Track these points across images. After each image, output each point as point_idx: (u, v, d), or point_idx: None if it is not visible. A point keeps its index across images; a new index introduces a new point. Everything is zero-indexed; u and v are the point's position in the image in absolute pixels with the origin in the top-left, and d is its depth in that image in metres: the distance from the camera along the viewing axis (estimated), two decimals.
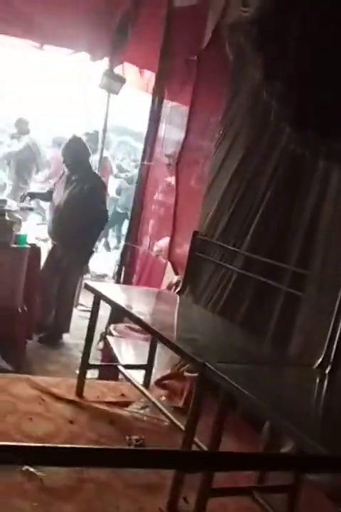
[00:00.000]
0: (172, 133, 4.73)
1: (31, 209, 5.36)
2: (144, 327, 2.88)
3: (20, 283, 4.45)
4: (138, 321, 2.82)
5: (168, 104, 4.78)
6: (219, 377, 2.23)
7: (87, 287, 3.28)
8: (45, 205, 7.06)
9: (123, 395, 3.39)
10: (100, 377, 4.22)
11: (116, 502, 2.42)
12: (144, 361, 3.96)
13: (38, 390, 3.23)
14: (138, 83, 5.98)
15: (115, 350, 4.11)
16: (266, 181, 3.04)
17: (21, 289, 4.47)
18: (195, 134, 4.33)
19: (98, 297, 3.19)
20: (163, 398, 3.34)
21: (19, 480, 2.38)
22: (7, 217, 4.59)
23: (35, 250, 4.75)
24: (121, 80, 5.48)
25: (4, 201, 4.82)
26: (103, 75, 5.43)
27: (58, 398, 3.17)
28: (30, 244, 4.60)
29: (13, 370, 4.23)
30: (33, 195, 5.53)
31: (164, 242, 4.85)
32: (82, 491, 2.43)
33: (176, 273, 4.49)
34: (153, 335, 3.02)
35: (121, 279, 5.20)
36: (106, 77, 5.40)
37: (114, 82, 5.42)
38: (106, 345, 4.66)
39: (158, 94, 4.79)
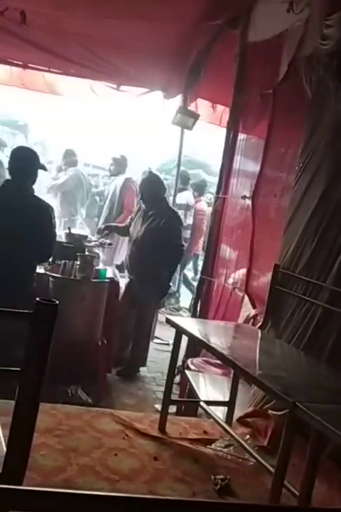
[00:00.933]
0: (247, 165, 4.74)
1: (110, 244, 5.49)
2: (229, 364, 2.85)
3: (101, 317, 4.56)
4: (222, 357, 2.80)
5: (242, 137, 4.80)
6: (311, 417, 2.16)
7: (169, 322, 3.30)
8: None
9: (205, 432, 3.35)
10: (178, 412, 4.21)
11: None
12: (223, 396, 3.91)
13: (122, 424, 3.26)
14: (210, 117, 6.07)
15: (194, 385, 4.08)
16: None
17: (101, 323, 4.58)
18: (271, 167, 4.30)
19: (180, 332, 3.20)
20: (247, 437, 3.27)
21: None
22: (87, 253, 4.75)
23: (114, 284, 4.87)
24: (195, 116, 5.57)
25: (85, 237, 4.99)
26: (176, 112, 5.55)
27: (142, 434, 3.18)
28: (109, 279, 4.72)
29: (93, 402, 4.32)
30: (109, 229, 5.67)
31: (240, 274, 4.82)
32: None
33: (253, 306, 4.43)
34: (238, 372, 2.98)
35: (198, 312, 5.20)
36: (179, 114, 5.51)
37: (187, 119, 5.52)
38: (183, 379, 4.65)
39: (233, 128, 4.82)
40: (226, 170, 4.87)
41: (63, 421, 3.18)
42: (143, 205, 5.26)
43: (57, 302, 1.32)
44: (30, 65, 5.92)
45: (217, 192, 4.97)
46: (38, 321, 1.27)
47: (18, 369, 1.29)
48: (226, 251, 4.92)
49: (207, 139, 7.81)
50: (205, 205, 8.22)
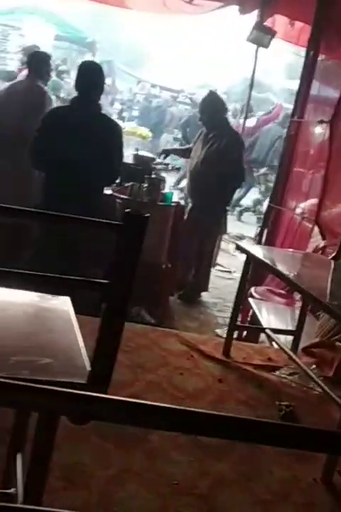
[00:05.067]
0: (326, 89, 4.45)
1: (178, 169, 5.39)
2: (302, 293, 2.78)
3: (166, 240, 4.55)
4: (295, 286, 2.72)
5: (322, 59, 4.48)
6: None
7: (239, 248, 3.24)
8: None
9: (270, 358, 3.35)
10: (238, 338, 4.21)
11: (269, 467, 2.40)
12: (286, 326, 3.88)
13: (187, 345, 3.30)
14: (286, 35, 5.69)
15: (258, 313, 4.06)
16: None
17: (166, 247, 4.57)
18: None
19: (250, 259, 3.14)
20: (313, 366, 3.23)
21: (174, 434, 2.44)
22: (154, 176, 4.69)
23: (179, 208, 4.82)
24: (272, 33, 5.24)
25: (152, 159, 4.92)
26: (252, 29, 5.23)
27: (206, 356, 3.21)
28: (175, 203, 4.67)
29: (156, 323, 4.39)
30: (166, 152, 5.52)
31: (309, 204, 4.65)
32: (234, 452, 2.44)
33: (323, 237, 4.29)
34: (311, 301, 2.91)
35: (263, 241, 5.09)
36: (255, 31, 5.19)
37: (263, 36, 5.20)
38: (245, 306, 4.63)
39: (313, 48, 4.49)
40: (304, 93, 4.59)
41: (131, 338, 3.25)
42: (203, 128, 5.08)
43: (148, 215, 1.28)
44: None
45: (292, 116, 4.72)
46: (127, 232, 1.24)
47: (106, 281, 1.27)
48: (298, 179, 4.72)
49: (280, 60, 7.39)
50: None
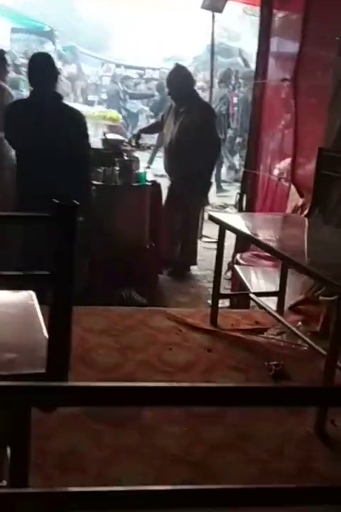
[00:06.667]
0: (285, 45, 4.44)
1: (149, 147, 5.37)
2: (275, 254, 2.82)
3: (145, 220, 4.56)
4: (268, 248, 2.76)
5: (279, 15, 4.46)
6: None
7: (212, 218, 3.27)
8: None
9: (257, 322, 3.40)
10: (231, 307, 4.26)
11: (262, 425, 2.45)
12: (274, 288, 3.91)
13: (175, 321, 3.35)
14: None
15: (244, 279, 4.10)
16: None
17: (147, 226, 4.59)
18: (311, 45, 4.01)
19: (223, 228, 3.17)
20: (299, 324, 3.29)
21: (167, 407, 2.49)
22: (125, 157, 4.67)
23: (156, 187, 4.82)
24: None
25: (121, 141, 4.90)
26: None
27: (194, 328, 3.26)
28: (150, 182, 4.67)
29: (148, 303, 4.43)
30: (137, 135, 5.43)
31: (285, 163, 4.66)
32: (226, 416, 2.50)
33: (301, 195, 4.31)
34: (286, 261, 2.95)
35: (243, 208, 5.12)
36: None
37: (217, 0, 5.15)
38: (234, 274, 4.67)
39: (266, 5, 4.46)
40: (263, 53, 4.57)
41: (118, 321, 3.29)
42: (172, 102, 5.05)
43: (78, 203, 1.28)
44: None
45: (255, 78, 4.71)
46: (58, 222, 1.25)
47: (48, 273, 1.29)
48: (269, 141, 4.74)
49: (243, 25, 7.34)
50: None
